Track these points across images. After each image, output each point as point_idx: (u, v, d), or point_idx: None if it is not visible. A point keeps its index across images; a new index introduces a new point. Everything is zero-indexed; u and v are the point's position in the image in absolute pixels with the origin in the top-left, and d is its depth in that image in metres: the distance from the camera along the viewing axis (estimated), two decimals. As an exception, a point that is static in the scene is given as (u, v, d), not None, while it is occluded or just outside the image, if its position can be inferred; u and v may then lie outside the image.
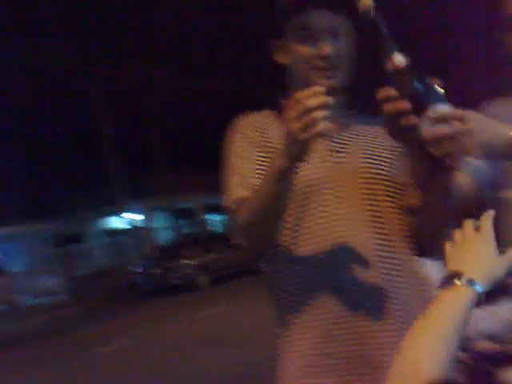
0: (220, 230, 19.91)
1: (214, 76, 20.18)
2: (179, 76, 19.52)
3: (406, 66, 0.98)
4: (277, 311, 1.28)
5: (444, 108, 0.96)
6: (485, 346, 1.48)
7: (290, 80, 1.32)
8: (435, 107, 0.96)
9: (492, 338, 1.49)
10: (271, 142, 1.28)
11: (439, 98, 0.97)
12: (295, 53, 1.26)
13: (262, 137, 1.30)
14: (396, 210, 1.25)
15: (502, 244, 0.93)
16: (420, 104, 0.96)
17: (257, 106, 1.39)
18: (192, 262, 14.88)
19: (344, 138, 1.29)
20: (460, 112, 0.97)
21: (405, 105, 0.96)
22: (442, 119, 0.95)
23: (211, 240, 16.29)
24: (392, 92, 0.98)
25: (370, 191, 1.24)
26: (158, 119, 21.11)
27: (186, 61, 19.78)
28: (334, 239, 1.20)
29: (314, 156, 1.17)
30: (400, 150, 1.24)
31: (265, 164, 1.24)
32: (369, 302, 1.18)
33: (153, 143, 21.60)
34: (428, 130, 0.96)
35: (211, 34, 20.66)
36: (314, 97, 0.97)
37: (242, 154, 1.29)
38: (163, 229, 21.38)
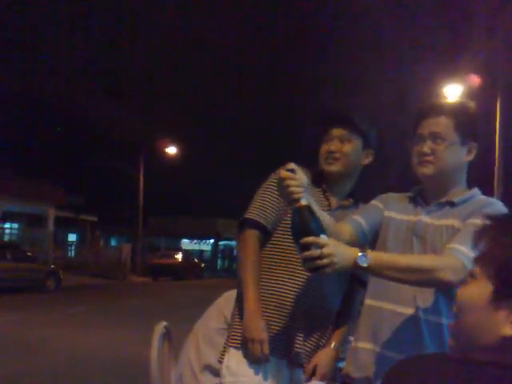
0: (15, 239, 18.51)
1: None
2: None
3: (307, 205, 1.54)
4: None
5: (322, 237, 1.50)
6: None
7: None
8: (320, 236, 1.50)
9: None
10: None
11: (322, 230, 1.52)
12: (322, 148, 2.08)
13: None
14: None
15: None
16: (312, 233, 1.50)
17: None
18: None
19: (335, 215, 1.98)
20: (325, 241, 1.50)
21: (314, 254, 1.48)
22: (317, 245, 1.49)
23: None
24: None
25: None
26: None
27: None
28: None
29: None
30: None
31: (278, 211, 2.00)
32: None
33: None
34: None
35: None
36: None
37: (270, 196, 2.01)
38: None
